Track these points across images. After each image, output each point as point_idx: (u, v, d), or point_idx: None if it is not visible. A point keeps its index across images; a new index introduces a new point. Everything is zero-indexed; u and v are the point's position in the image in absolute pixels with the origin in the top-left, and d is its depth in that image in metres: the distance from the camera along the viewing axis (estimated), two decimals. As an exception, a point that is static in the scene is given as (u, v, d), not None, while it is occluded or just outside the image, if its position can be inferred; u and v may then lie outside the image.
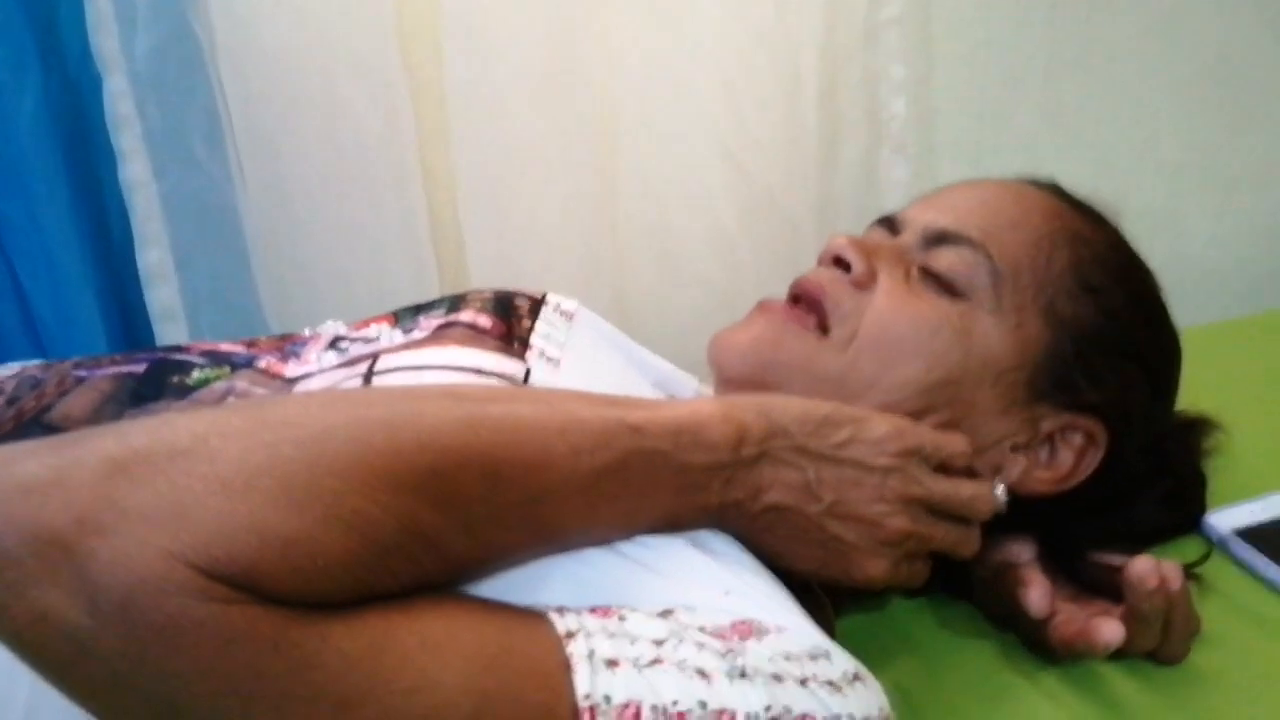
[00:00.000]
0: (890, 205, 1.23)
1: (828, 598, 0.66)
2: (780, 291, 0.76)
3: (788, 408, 0.62)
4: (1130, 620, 0.67)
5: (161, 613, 0.42)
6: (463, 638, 0.49)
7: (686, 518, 0.59)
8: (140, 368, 0.67)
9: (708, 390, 0.81)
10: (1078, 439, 0.72)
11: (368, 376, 0.65)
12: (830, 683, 0.52)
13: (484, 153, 1.11)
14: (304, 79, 1.05)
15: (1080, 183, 0.79)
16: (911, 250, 0.73)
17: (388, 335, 0.73)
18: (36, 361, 0.73)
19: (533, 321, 0.76)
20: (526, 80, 1.10)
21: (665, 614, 0.53)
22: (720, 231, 1.21)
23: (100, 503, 0.44)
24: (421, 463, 0.49)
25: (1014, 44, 1.33)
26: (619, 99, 1.14)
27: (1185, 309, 0.79)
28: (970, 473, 0.67)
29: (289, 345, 0.74)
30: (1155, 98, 1.40)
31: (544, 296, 0.80)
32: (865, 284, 0.71)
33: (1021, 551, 0.73)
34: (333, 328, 0.78)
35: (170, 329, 1.06)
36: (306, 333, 0.78)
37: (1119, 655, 0.68)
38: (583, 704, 0.47)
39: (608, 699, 0.48)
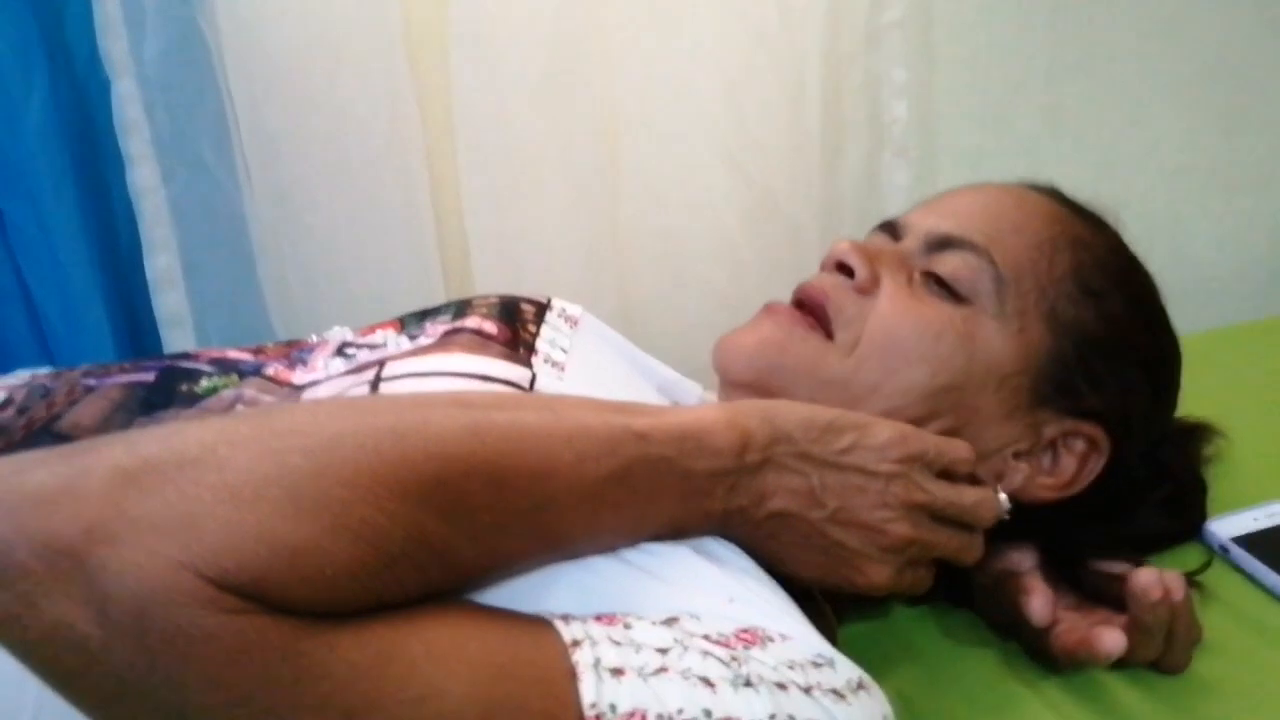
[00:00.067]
0: (892, 209, 1.24)
1: (830, 605, 0.66)
2: (783, 295, 0.76)
3: (791, 414, 0.62)
4: (1133, 631, 0.67)
5: (171, 623, 0.43)
6: (469, 647, 0.49)
7: (691, 524, 0.59)
8: (149, 376, 0.67)
9: (711, 397, 0.81)
10: (1080, 445, 0.72)
11: (375, 383, 0.65)
12: (834, 691, 0.52)
13: (489, 159, 1.11)
14: (311, 85, 1.05)
15: (1081, 186, 0.79)
16: (914, 255, 0.74)
17: (394, 341, 0.73)
18: (45, 369, 0.73)
19: (538, 327, 0.76)
20: (531, 87, 1.10)
21: (670, 621, 0.53)
22: (723, 236, 1.21)
23: (110, 512, 0.44)
24: (428, 471, 0.49)
25: (1015, 48, 1.33)
26: (622, 103, 1.15)
27: (1187, 314, 0.79)
28: (973, 479, 0.67)
29: (296, 352, 0.74)
30: (1156, 101, 1.40)
31: (549, 302, 0.81)
32: (868, 289, 0.72)
33: (1023, 559, 0.73)
34: (339, 334, 0.78)
35: (177, 334, 1.07)
36: (313, 339, 0.78)
37: (1121, 664, 0.69)
38: (588, 712, 0.48)
39: (613, 708, 0.48)
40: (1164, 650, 0.69)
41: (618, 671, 0.49)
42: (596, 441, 0.55)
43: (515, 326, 0.74)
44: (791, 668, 0.52)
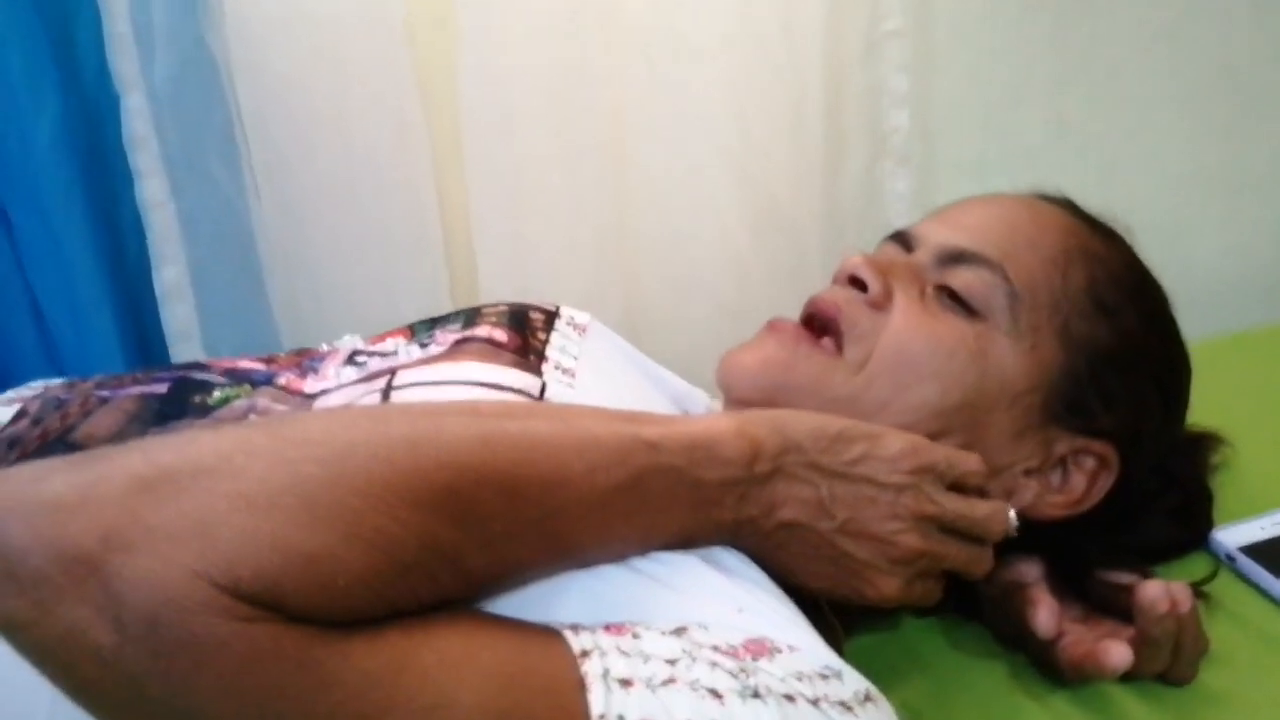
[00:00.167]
0: (893, 217, 1.25)
1: (839, 617, 0.66)
2: (786, 304, 0.76)
3: (802, 423, 0.62)
4: (1140, 644, 0.67)
5: (186, 630, 0.43)
6: (480, 656, 0.49)
7: (701, 534, 0.59)
8: (163, 388, 0.67)
9: (718, 406, 0.81)
10: (1090, 463, 0.72)
11: (386, 392, 0.66)
12: (842, 703, 0.52)
13: (495, 170, 1.12)
14: (318, 99, 1.06)
15: (1085, 194, 0.79)
16: (927, 269, 0.73)
17: (405, 349, 0.74)
18: (59, 381, 0.74)
19: (547, 335, 0.76)
20: (537, 98, 1.10)
21: (679, 631, 0.53)
22: (729, 243, 1.22)
23: (126, 520, 0.44)
24: (441, 480, 0.50)
25: (1018, 55, 1.33)
26: (627, 112, 1.15)
27: (1192, 321, 0.78)
28: (983, 493, 0.67)
29: (307, 361, 0.75)
30: (1159, 108, 1.40)
31: (557, 310, 0.81)
32: (881, 304, 0.71)
33: (1029, 570, 0.73)
34: (350, 342, 0.78)
35: (186, 347, 1.07)
36: (324, 348, 0.78)
37: (1128, 677, 0.68)
38: None
39: (621, 718, 0.48)
40: (1171, 662, 0.69)
41: (626, 682, 0.49)
42: (607, 451, 0.55)
43: (525, 334, 0.74)
44: (799, 679, 0.52)
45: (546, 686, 0.49)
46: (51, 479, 0.47)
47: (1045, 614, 0.69)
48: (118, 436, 0.63)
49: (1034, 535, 0.70)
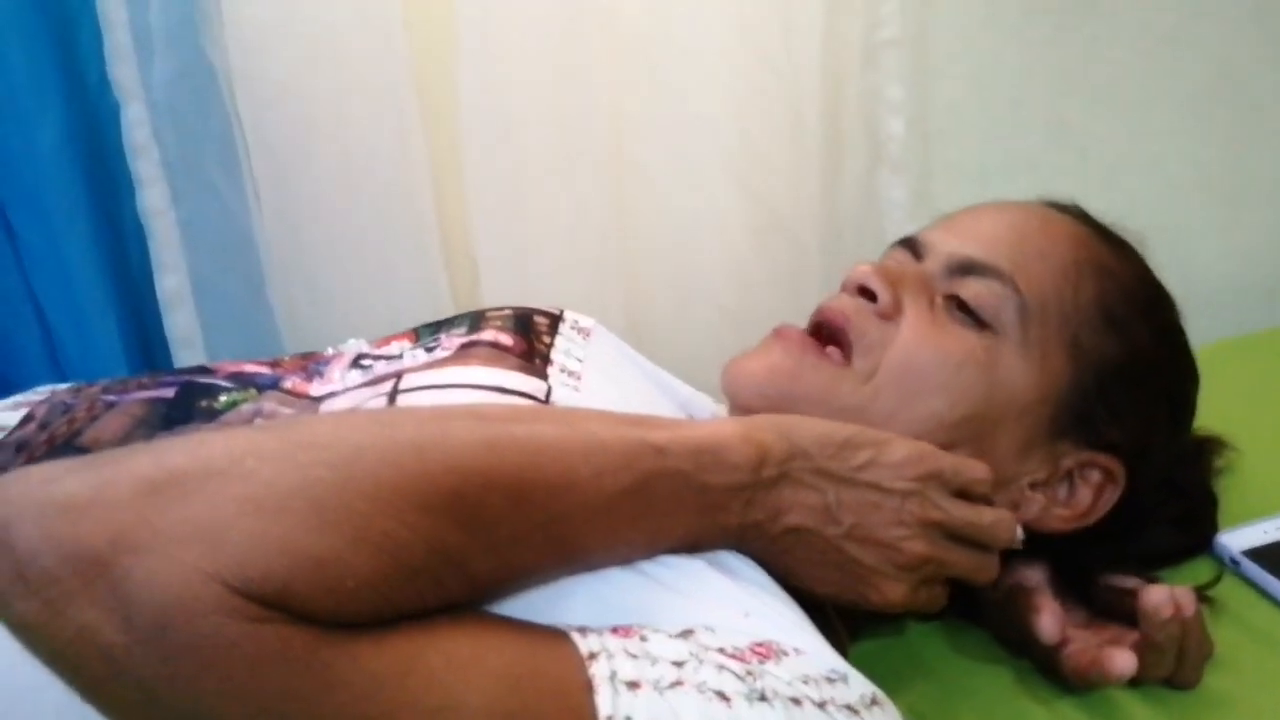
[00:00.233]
0: (891, 225, 1.25)
1: (844, 621, 0.66)
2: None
3: (808, 429, 0.62)
4: (1144, 649, 0.67)
5: (195, 632, 0.43)
6: (488, 658, 0.49)
7: (707, 538, 0.59)
8: (169, 392, 0.68)
9: (723, 411, 0.81)
10: (1096, 476, 0.72)
11: (392, 395, 0.66)
12: (848, 706, 0.52)
13: (496, 177, 1.12)
14: (318, 106, 1.06)
15: (1086, 199, 0.79)
16: (936, 278, 0.73)
17: (410, 353, 0.74)
18: (65, 386, 0.74)
19: (552, 338, 0.76)
20: (537, 104, 1.11)
21: (685, 634, 0.53)
22: (730, 249, 1.22)
23: (136, 522, 0.44)
24: (448, 484, 0.50)
25: (1018, 61, 1.33)
26: (628, 119, 1.16)
27: (1194, 326, 0.78)
28: (989, 501, 0.67)
29: (312, 364, 0.75)
30: (1160, 114, 1.40)
31: (561, 313, 0.81)
32: (891, 315, 0.71)
33: (1033, 575, 0.73)
34: (355, 346, 0.78)
35: (188, 354, 1.07)
36: (329, 351, 0.78)
37: (1133, 682, 0.68)
38: None
39: None
40: (1175, 666, 0.69)
41: (634, 684, 0.49)
42: (614, 455, 0.55)
43: (530, 338, 0.74)
44: (806, 682, 0.52)
45: (554, 688, 0.49)
46: (62, 480, 0.47)
47: (1049, 620, 0.69)
48: (124, 441, 0.63)
49: (1038, 542, 0.70)
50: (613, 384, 0.74)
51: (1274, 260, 1.50)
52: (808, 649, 0.55)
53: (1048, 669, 0.71)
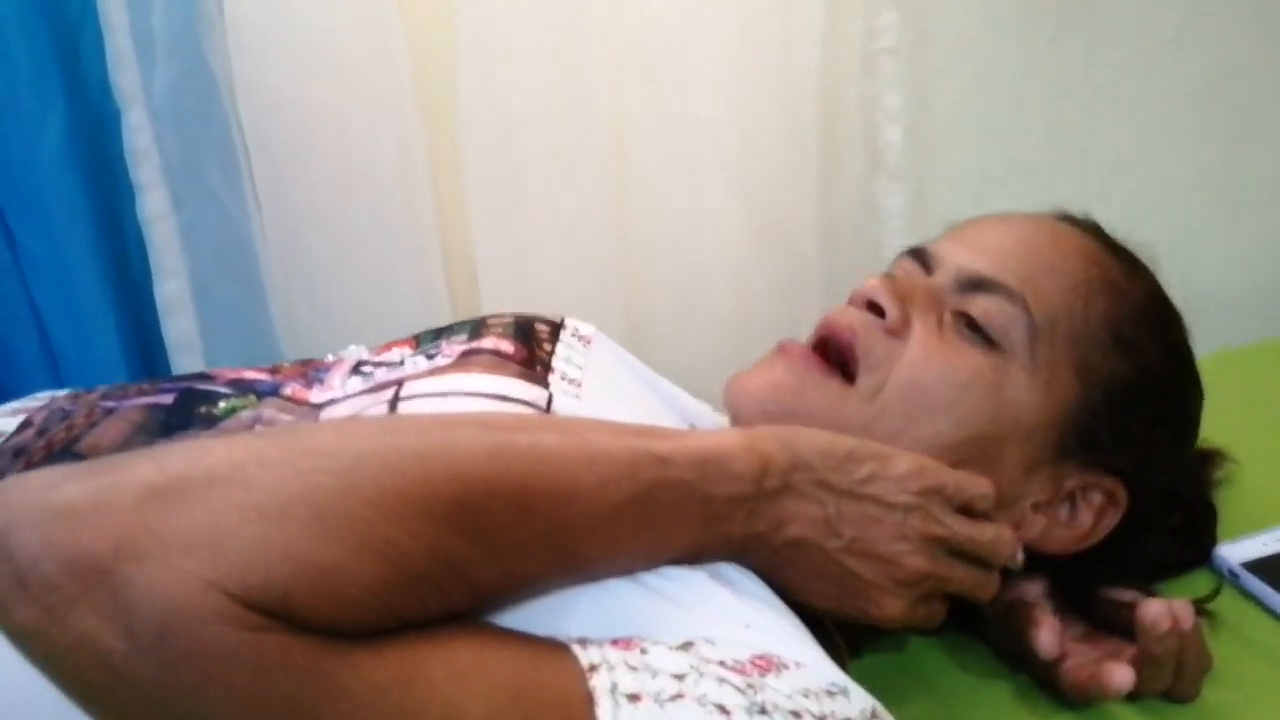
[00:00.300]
0: (889, 233, 1.25)
1: (845, 637, 0.66)
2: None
3: (812, 441, 0.62)
4: (1142, 663, 0.67)
5: (196, 640, 0.43)
6: (490, 669, 0.49)
7: (710, 549, 0.59)
8: (168, 398, 0.67)
9: (724, 420, 0.81)
10: (1098, 499, 0.72)
11: (393, 403, 0.66)
12: (848, 720, 0.52)
13: (496, 181, 1.12)
14: (318, 112, 1.06)
15: (1085, 207, 0.78)
16: (945, 293, 0.72)
17: (410, 360, 0.74)
18: (64, 392, 0.74)
19: (553, 346, 0.76)
20: (538, 110, 1.11)
21: (686, 646, 0.53)
22: (730, 256, 1.22)
23: (138, 529, 0.44)
24: (451, 492, 0.50)
25: (1017, 68, 1.33)
26: (628, 127, 1.16)
27: (1195, 336, 0.78)
28: (991, 519, 0.67)
29: (312, 371, 0.75)
30: (1159, 121, 1.40)
31: (562, 321, 0.81)
32: (898, 331, 0.70)
33: (1031, 588, 0.73)
34: (355, 353, 0.78)
35: (187, 359, 1.07)
36: (329, 358, 0.78)
37: (1132, 696, 0.68)
38: None
39: None
40: (1174, 680, 0.69)
41: (634, 697, 0.49)
42: (617, 465, 0.55)
43: (531, 346, 0.74)
44: (806, 696, 0.52)
45: (556, 700, 0.49)
46: (63, 486, 0.46)
47: (1047, 635, 0.69)
48: (123, 447, 0.62)
49: (1038, 561, 0.70)
50: (613, 392, 0.74)
51: (1275, 269, 1.50)
52: (808, 662, 0.55)
53: (1046, 683, 0.71)
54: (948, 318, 0.71)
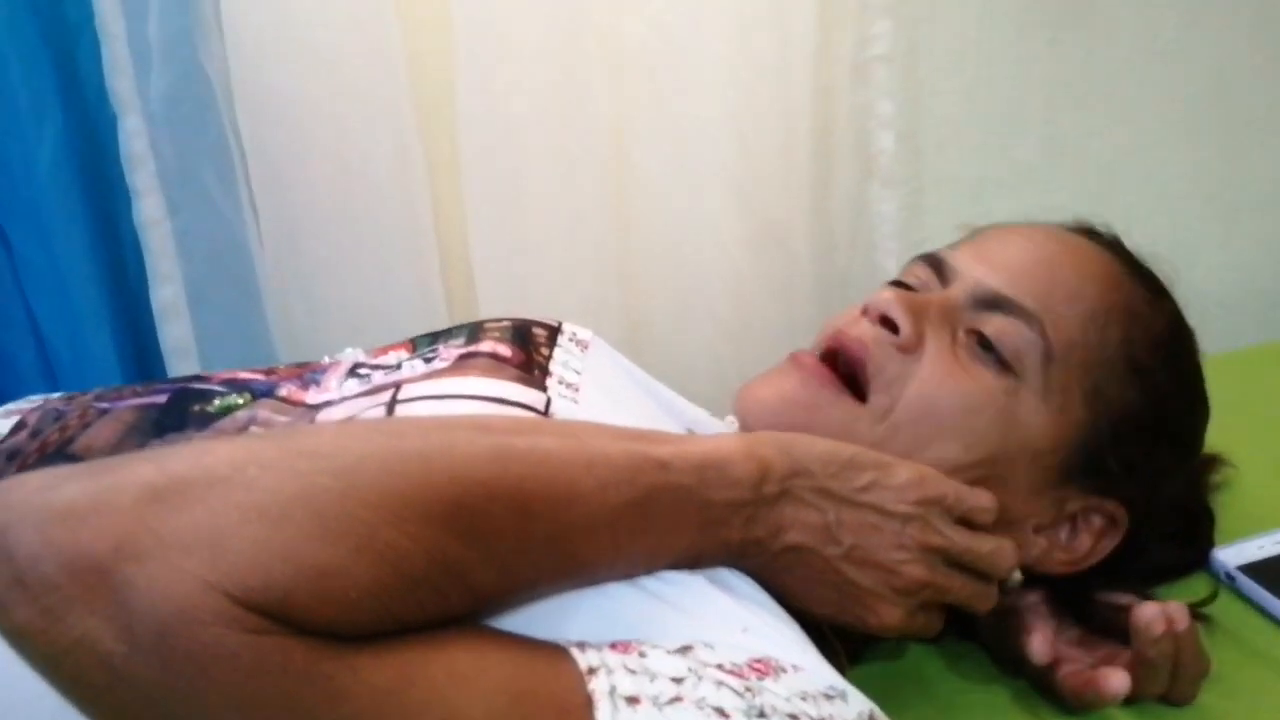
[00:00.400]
0: (882, 238, 1.26)
1: (843, 644, 0.65)
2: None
3: (811, 448, 0.62)
4: (1138, 666, 0.67)
5: (196, 641, 0.43)
6: (489, 672, 0.49)
7: (708, 553, 0.59)
8: (162, 399, 0.67)
9: (720, 425, 0.81)
10: (1098, 522, 0.72)
11: (391, 405, 0.66)
12: (846, 723, 0.52)
13: (493, 185, 1.12)
14: (315, 117, 1.06)
15: (1081, 213, 0.78)
16: (960, 308, 0.71)
17: (408, 364, 0.74)
18: (58, 394, 0.73)
19: (550, 350, 0.76)
20: (536, 115, 1.11)
21: (684, 650, 0.53)
22: (727, 261, 1.22)
23: (138, 529, 0.44)
24: (451, 495, 0.50)
25: (1012, 75, 1.34)
26: (627, 131, 1.16)
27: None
28: (991, 531, 0.66)
29: (308, 373, 0.74)
30: (1156, 126, 1.40)
31: (560, 325, 0.81)
32: (912, 348, 0.69)
33: (1027, 593, 0.73)
34: (352, 355, 0.78)
35: (183, 365, 1.07)
36: (326, 360, 0.78)
37: (1129, 699, 0.68)
38: None
39: None
40: (1170, 683, 0.69)
41: (633, 700, 0.49)
42: (617, 469, 0.55)
43: (529, 350, 0.74)
44: (804, 699, 0.52)
45: (555, 703, 0.49)
46: (63, 486, 0.46)
47: (1039, 641, 0.69)
48: (116, 448, 0.62)
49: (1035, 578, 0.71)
50: (611, 397, 0.74)
51: (1272, 274, 1.50)
52: (806, 666, 0.55)
53: (1044, 689, 0.71)
54: (961, 335, 0.70)
